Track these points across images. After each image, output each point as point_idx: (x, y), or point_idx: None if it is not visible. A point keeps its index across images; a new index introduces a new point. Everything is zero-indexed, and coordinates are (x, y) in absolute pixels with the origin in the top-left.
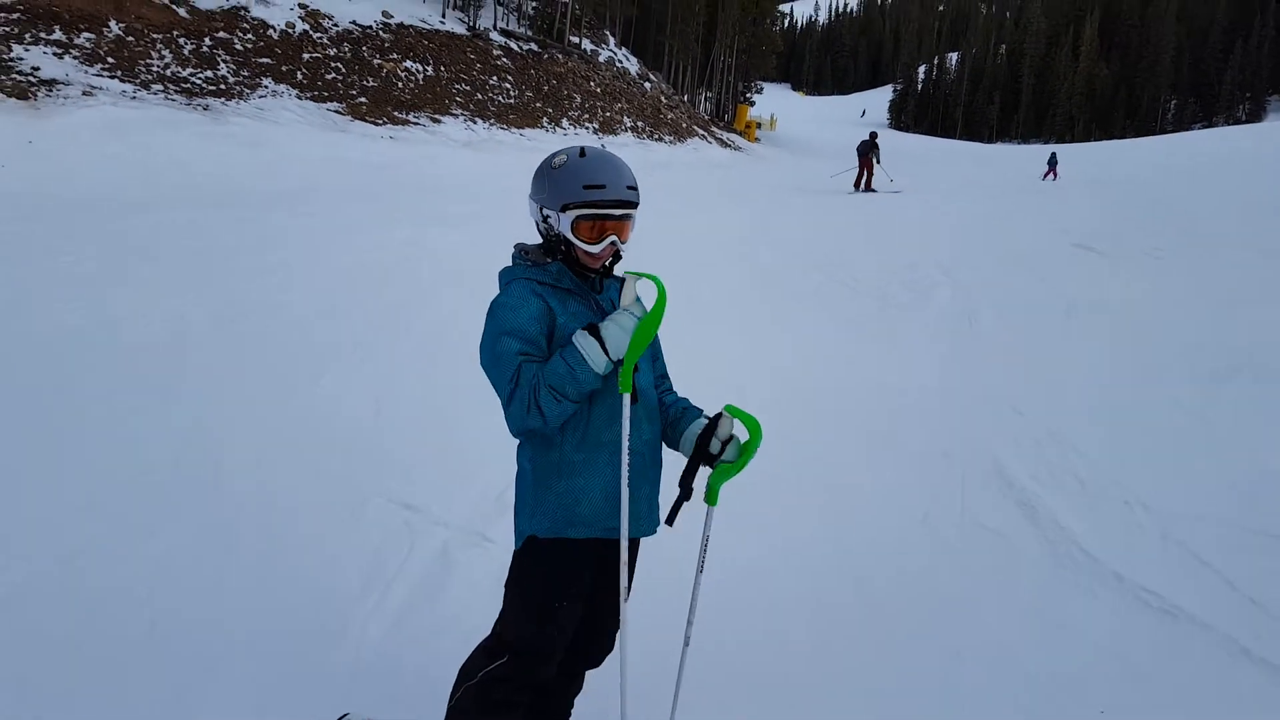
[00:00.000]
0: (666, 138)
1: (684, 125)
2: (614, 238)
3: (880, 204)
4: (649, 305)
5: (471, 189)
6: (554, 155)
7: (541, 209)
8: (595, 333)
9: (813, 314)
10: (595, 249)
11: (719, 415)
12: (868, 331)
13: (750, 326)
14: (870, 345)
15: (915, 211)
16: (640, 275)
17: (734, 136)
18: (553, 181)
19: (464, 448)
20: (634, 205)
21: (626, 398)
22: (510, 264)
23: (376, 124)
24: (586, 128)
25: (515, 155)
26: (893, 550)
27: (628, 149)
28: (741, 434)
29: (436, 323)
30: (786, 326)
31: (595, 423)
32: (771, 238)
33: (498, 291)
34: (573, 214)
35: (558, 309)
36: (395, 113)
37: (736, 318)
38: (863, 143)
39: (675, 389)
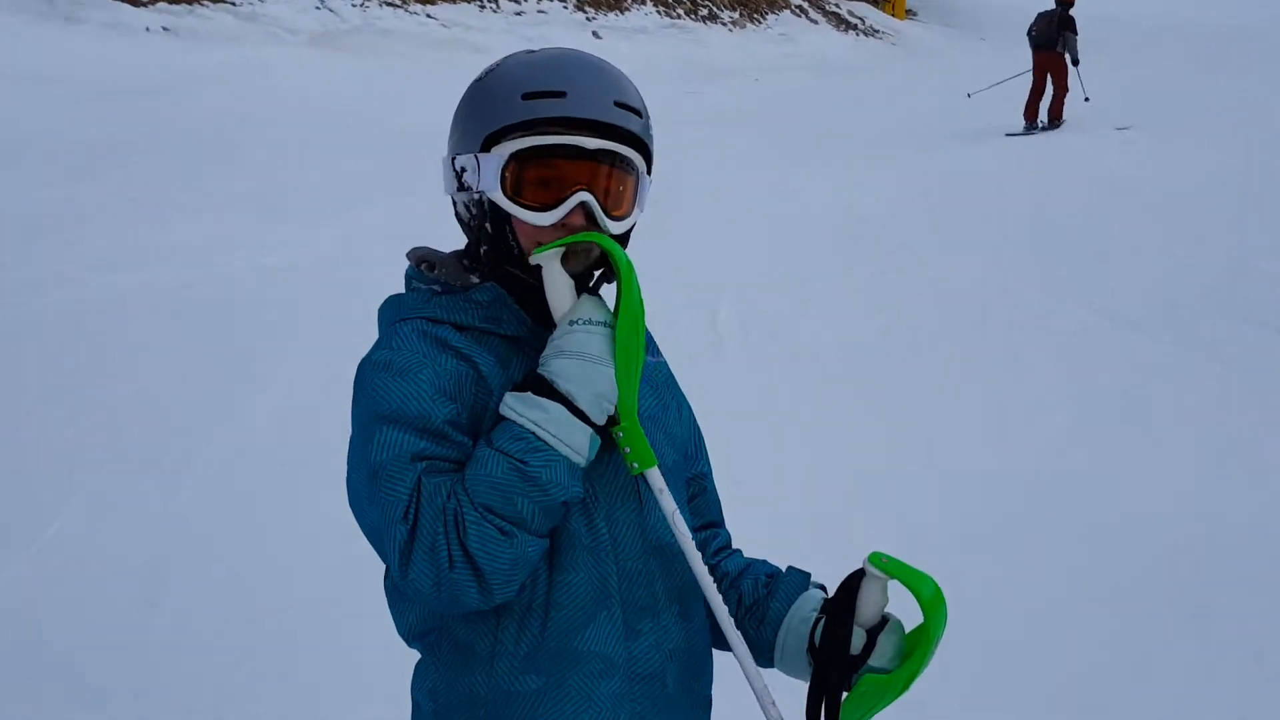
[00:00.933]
0: (727, 16)
1: None
2: (583, 195)
3: (1102, 162)
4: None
5: (332, 134)
6: (481, 71)
7: (455, 162)
8: (542, 386)
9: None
10: (544, 218)
11: (857, 576)
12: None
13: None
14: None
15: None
16: (553, 246)
17: (863, 8)
18: (473, 102)
19: (305, 666)
20: (628, 138)
21: (653, 481)
22: (401, 292)
23: (139, 2)
24: (565, 2)
25: (418, 63)
26: None
27: (647, 45)
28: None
29: (255, 426)
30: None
31: (563, 602)
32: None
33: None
34: (503, 151)
35: (491, 373)
36: None
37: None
38: (1042, 21)
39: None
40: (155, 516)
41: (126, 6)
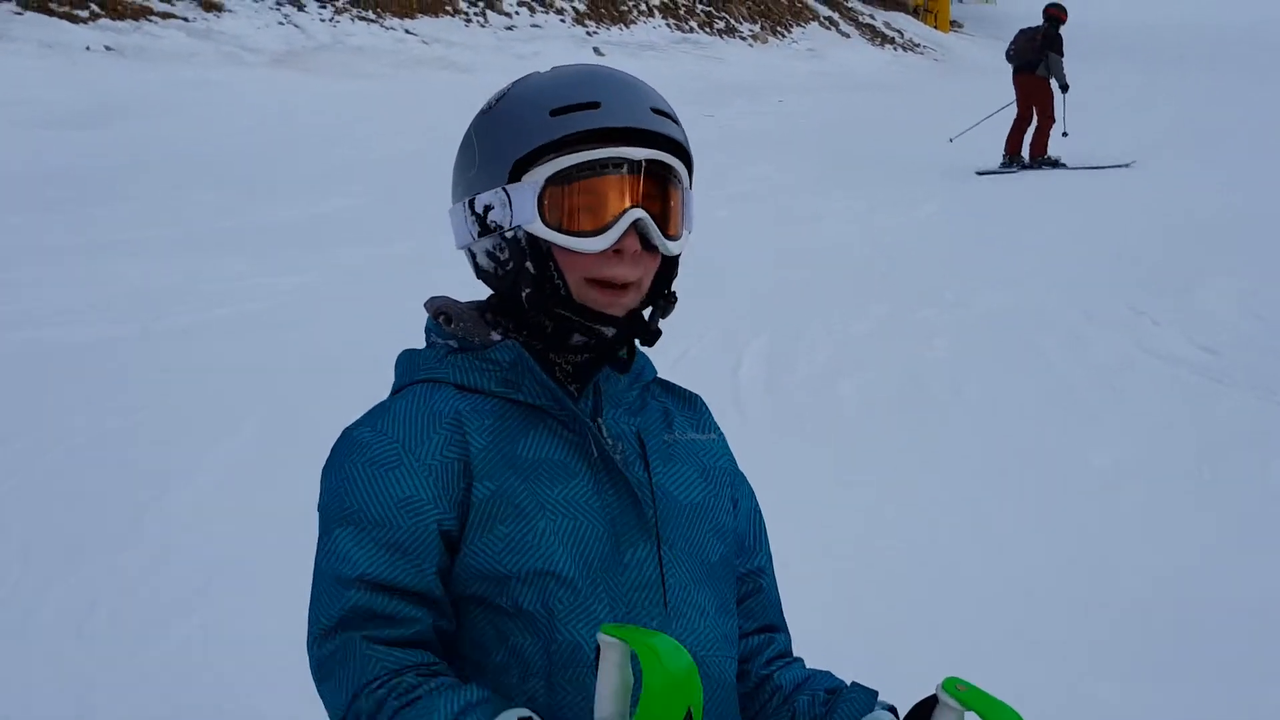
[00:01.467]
0: (746, 29)
1: (783, 2)
2: (637, 213)
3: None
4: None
5: (300, 165)
6: (488, 101)
7: (472, 205)
8: None
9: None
10: (596, 243)
11: (929, 704)
12: None
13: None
14: None
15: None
16: (622, 634)
17: (902, 19)
18: (489, 132)
19: None
20: (671, 146)
21: None
22: (417, 347)
23: (77, 17)
24: (562, 15)
25: (395, 84)
26: None
27: (656, 62)
28: None
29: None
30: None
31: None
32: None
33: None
34: (537, 176)
35: (482, 454)
36: None
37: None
38: (1023, 39)
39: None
40: (112, 573)
41: (64, 23)
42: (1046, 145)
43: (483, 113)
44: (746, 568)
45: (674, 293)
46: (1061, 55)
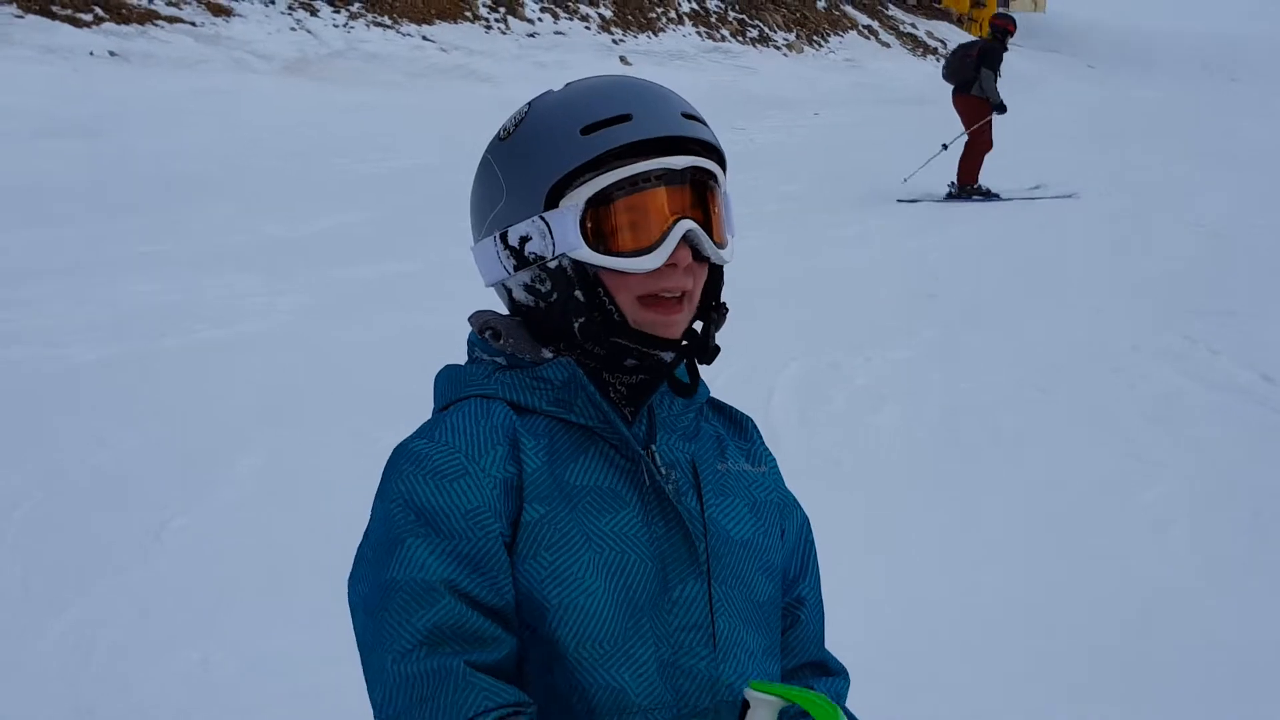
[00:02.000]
0: (781, 38)
1: (820, 9)
2: (688, 224)
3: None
4: None
5: (311, 178)
6: (504, 126)
7: (505, 239)
8: None
9: None
10: (647, 262)
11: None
12: None
13: None
14: None
15: None
16: (775, 691)
17: (945, 28)
18: (515, 159)
19: None
20: (708, 151)
21: None
22: (458, 363)
23: (80, 21)
24: (587, 22)
25: (412, 94)
26: None
27: (685, 72)
28: None
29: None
30: None
31: None
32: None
33: (423, 426)
34: (578, 198)
35: (534, 476)
36: None
37: None
38: (958, 56)
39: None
40: (117, 601)
41: (66, 27)
42: (977, 173)
43: (500, 140)
44: (787, 599)
45: (724, 303)
46: (996, 72)
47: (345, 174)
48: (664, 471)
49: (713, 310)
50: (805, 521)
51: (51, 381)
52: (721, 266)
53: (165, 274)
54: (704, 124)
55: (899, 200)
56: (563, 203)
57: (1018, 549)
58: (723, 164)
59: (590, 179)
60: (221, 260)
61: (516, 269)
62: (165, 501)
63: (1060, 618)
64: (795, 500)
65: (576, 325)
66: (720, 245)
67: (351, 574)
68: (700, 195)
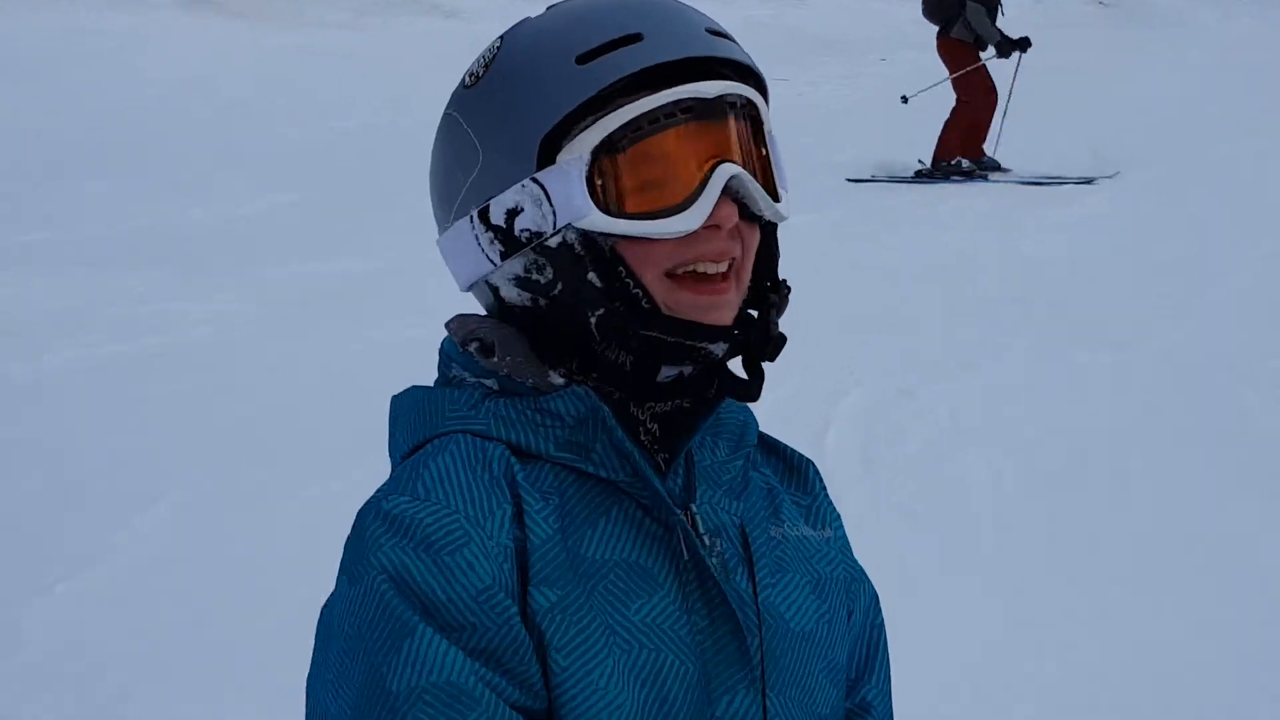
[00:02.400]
0: None
1: None
2: (732, 168)
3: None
4: None
5: (229, 145)
6: (469, 71)
7: (486, 217)
8: None
9: None
10: (682, 221)
11: None
12: None
13: None
14: None
15: None
16: None
17: None
18: (489, 109)
19: None
20: (744, 75)
21: None
22: (431, 385)
23: None
24: None
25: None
26: None
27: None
28: None
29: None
30: None
31: None
32: None
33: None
34: (581, 148)
35: (555, 549)
36: None
37: None
38: None
39: None
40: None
41: None
42: (980, 142)
43: (466, 88)
44: (852, 701)
45: (785, 281)
46: (987, 2)
47: (276, 141)
48: (708, 541)
49: (770, 290)
50: (874, 601)
51: None
52: (775, 232)
53: (49, 272)
54: (735, 42)
55: (847, 179)
56: (560, 157)
57: (1150, 630)
58: (764, 92)
59: (594, 122)
60: (122, 254)
61: (505, 255)
62: (49, 565)
63: (1189, 696)
64: (862, 571)
65: (593, 319)
66: (772, 196)
67: (312, 682)
68: (742, 132)
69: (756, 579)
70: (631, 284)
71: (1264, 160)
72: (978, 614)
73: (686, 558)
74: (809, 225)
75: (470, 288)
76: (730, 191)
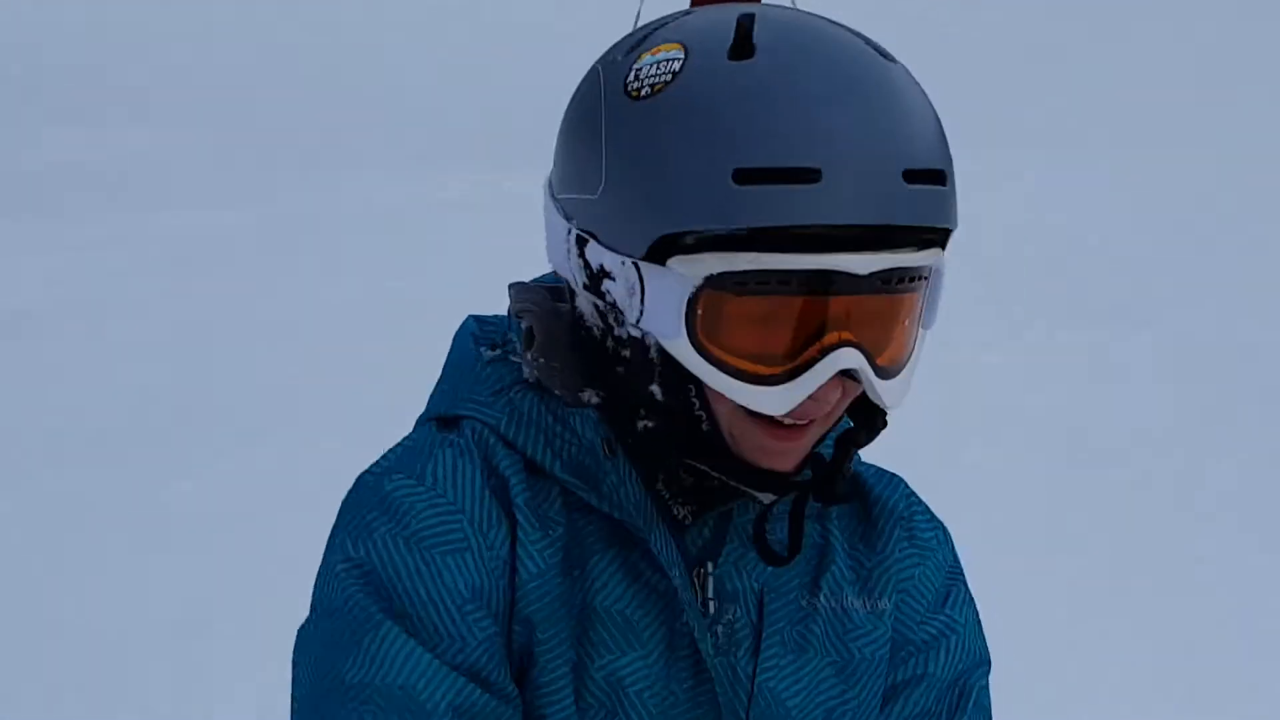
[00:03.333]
0: None
1: None
2: (849, 357)
3: None
4: None
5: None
6: (636, 71)
7: (580, 243)
8: None
9: None
10: (777, 396)
11: None
12: None
13: None
14: None
15: None
16: None
17: None
18: (632, 145)
19: None
20: (925, 239)
21: None
22: (469, 348)
23: None
24: None
25: None
26: None
27: None
28: None
29: None
30: None
31: None
32: None
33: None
34: (694, 271)
35: (546, 583)
36: None
37: None
38: None
39: None
40: None
41: None
42: None
43: (629, 94)
44: None
45: (883, 414)
46: None
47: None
48: (716, 606)
49: (863, 424)
50: (972, 668)
51: None
52: None
53: None
54: (942, 180)
55: None
56: (672, 262)
57: (1181, 636)
58: (946, 240)
59: (726, 247)
60: None
61: (586, 289)
62: None
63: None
64: (941, 641)
65: (640, 426)
66: (895, 368)
67: (301, 631)
68: (890, 305)
69: (760, 657)
70: (698, 404)
71: None
72: (989, 614)
73: (682, 622)
74: None
75: (553, 265)
76: (839, 377)
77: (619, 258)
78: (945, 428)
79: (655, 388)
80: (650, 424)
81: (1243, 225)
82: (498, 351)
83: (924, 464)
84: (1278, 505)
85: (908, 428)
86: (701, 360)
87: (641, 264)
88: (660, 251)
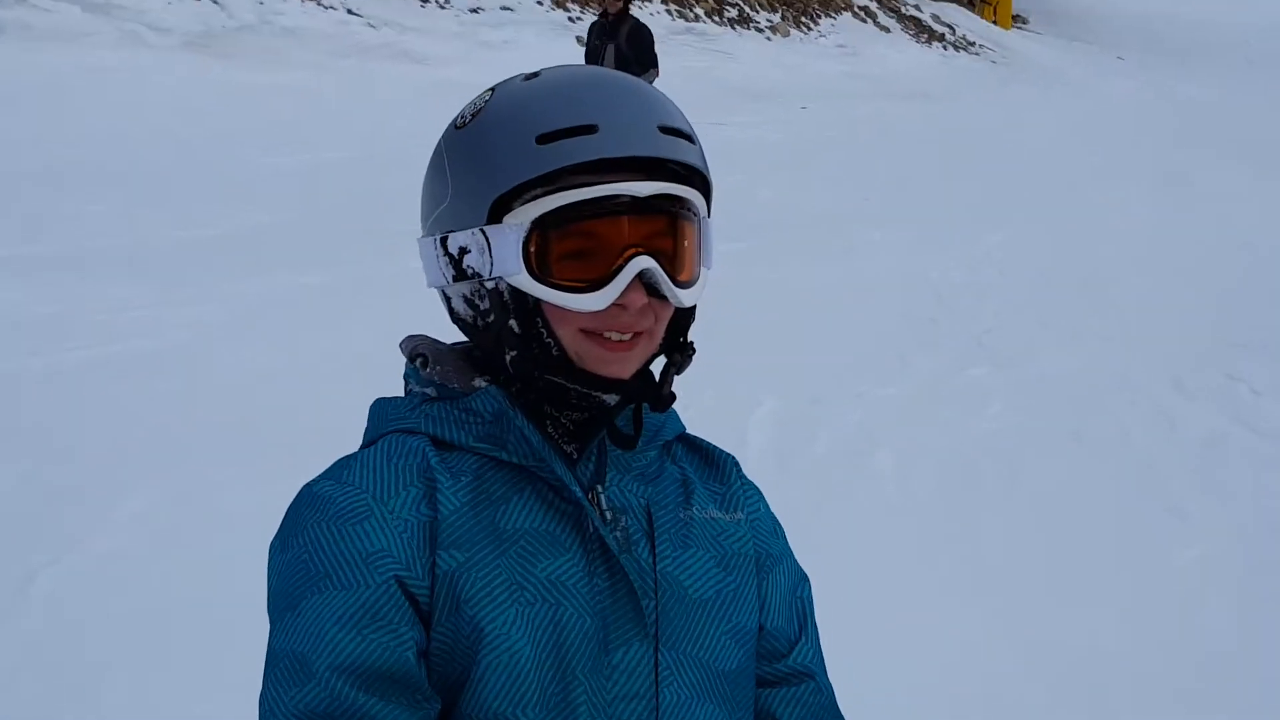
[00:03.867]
0: (764, 19)
1: None
2: (644, 262)
3: None
4: None
5: (212, 171)
6: (461, 113)
7: (445, 244)
8: None
9: None
10: (594, 300)
11: None
12: None
13: None
14: None
15: None
16: None
17: (954, 11)
18: (463, 157)
19: None
20: (686, 174)
21: None
22: (390, 395)
23: None
24: None
25: (334, 76)
26: None
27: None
28: None
29: None
30: None
31: None
32: None
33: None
34: (522, 218)
35: (466, 518)
36: None
37: None
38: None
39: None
40: None
41: None
42: None
43: (456, 127)
44: (789, 667)
45: (691, 343)
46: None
47: (253, 168)
48: (611, 516)
49: (676, 350)
50: (801, 579)
51: None
52: (693, 308)
53: (34, 280)
54: (688, 139)
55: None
56: (506, 219)
57: (1036, 622)
58: (707, 189)
59: (540, 195)
60: (103, 265)
61: (454, 280)
62: (30, 550)
63: (1083, 699)
64: (784, 552)
65: (508, 358)
66: (687, 282)
67: (271, 617)
68: (668, 225)
69: (656, 551)
70: (545, 334)
71: (1150, 190)
72: (880, 610)
73: (591, 530)
74: (735, 255)
75: (432, 286)
76: (642, 278)
77: (469, 232)
78: (851, 446)
79: (512, 322)
80: (514, 353)
81: None
82: (405, 394)
83: (831, 475)
84: None
85: (823, 443)
86: (536, 284)
87: (486, 228)
88: (496, 213)
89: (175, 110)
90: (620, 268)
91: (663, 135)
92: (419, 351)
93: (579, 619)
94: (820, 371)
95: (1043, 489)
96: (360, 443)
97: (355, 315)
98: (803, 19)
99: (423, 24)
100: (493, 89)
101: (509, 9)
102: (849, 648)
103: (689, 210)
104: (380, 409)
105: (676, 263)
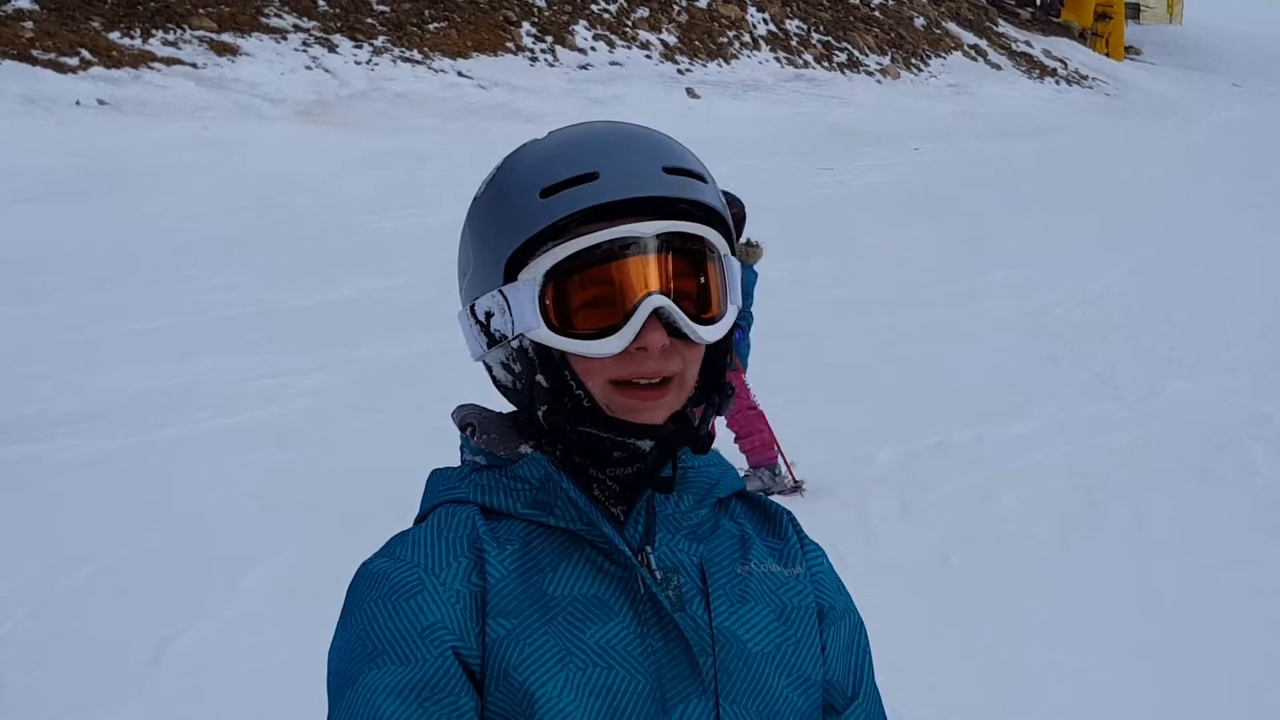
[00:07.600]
0: (873, 62)
1: (919, 28)
2: (656, 300)
3: None
4: None
5: (330, 240)
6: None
7: (475, 310)
8: None
9: None
10: (610, 344)
11: None
12: None
13: None
14: None
15: None
16: None
17: (1066, 46)
18: (479, 224)
19: None
20: (695, 211)
21: None
22: (446, 466)
23: (65, 66)
24: (648, 49)
25: (447, 139)
26: None
27: (762, 104)
28: None
29: None
30: None
31: None
32: None
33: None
34: (534, 273)
35: (515, 586)
36: (117, 32)
37: None
38: None
39: None
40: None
41: (49, 73)
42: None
43: (475, 200)
44: None
45: (729, 383)
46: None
47: (369, 233)
48: (661, 576)
49: (714, 390)
50: (858, 627)
51: (36, 482)
52: (725, 341)
53: (161, 354)
54: (698, 178)
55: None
56: (521, 275)
57: (1169, 664)
58: (724, 226)
59: (550, 248)
60: (226, 336)
61: (489, 346)
62: (165, 618)
63: None
64: (848, 608)
65: (540, 413)
66: (710, 319)
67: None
68: (685, 264)
69: (712, 607)
70: (575, 386)
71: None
72: (1005, 648)
73: (642, 592)
74: (850, 296)
75: (476, 360)
76: (659, 318)
77: (490, 295)
78: (975, 488)
79: (539, 377)
80: (545, 407)
81: None
82: (467, 458)
83: (955, 517)
84: None
85: (946, 487)
86: (555, 336)
87: (504, 288)
88: (511, 272)
89: (289, 179)
90: (634, 309)
91: (668, 175)
92: (467, 421)
93: (632, 680)
94: (941, 412)
95: (1169, 528)
96: (417, 511)
97: (470, 377)
98: (913, 60)
99: (532, 83)
100: (506, 156)
101: (618, 64)
102: (984, 693)
103: (705, 247)
104: (434, 480)
105: (696, 299)
